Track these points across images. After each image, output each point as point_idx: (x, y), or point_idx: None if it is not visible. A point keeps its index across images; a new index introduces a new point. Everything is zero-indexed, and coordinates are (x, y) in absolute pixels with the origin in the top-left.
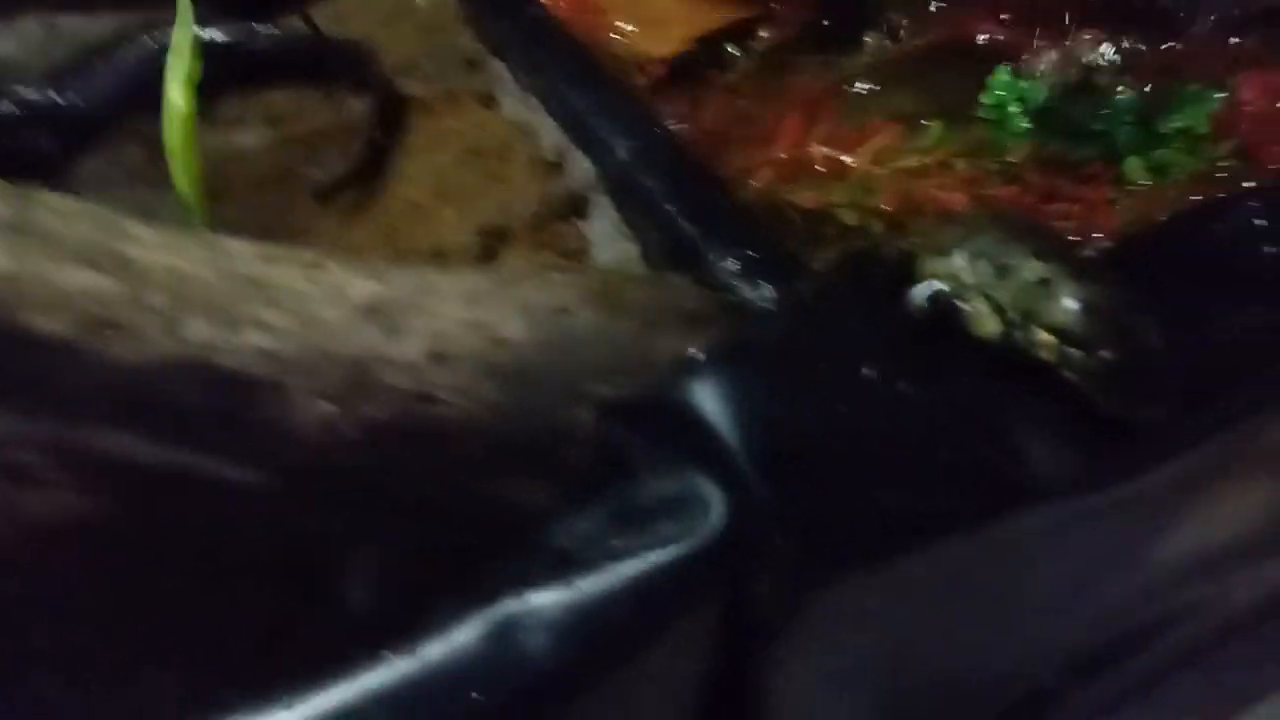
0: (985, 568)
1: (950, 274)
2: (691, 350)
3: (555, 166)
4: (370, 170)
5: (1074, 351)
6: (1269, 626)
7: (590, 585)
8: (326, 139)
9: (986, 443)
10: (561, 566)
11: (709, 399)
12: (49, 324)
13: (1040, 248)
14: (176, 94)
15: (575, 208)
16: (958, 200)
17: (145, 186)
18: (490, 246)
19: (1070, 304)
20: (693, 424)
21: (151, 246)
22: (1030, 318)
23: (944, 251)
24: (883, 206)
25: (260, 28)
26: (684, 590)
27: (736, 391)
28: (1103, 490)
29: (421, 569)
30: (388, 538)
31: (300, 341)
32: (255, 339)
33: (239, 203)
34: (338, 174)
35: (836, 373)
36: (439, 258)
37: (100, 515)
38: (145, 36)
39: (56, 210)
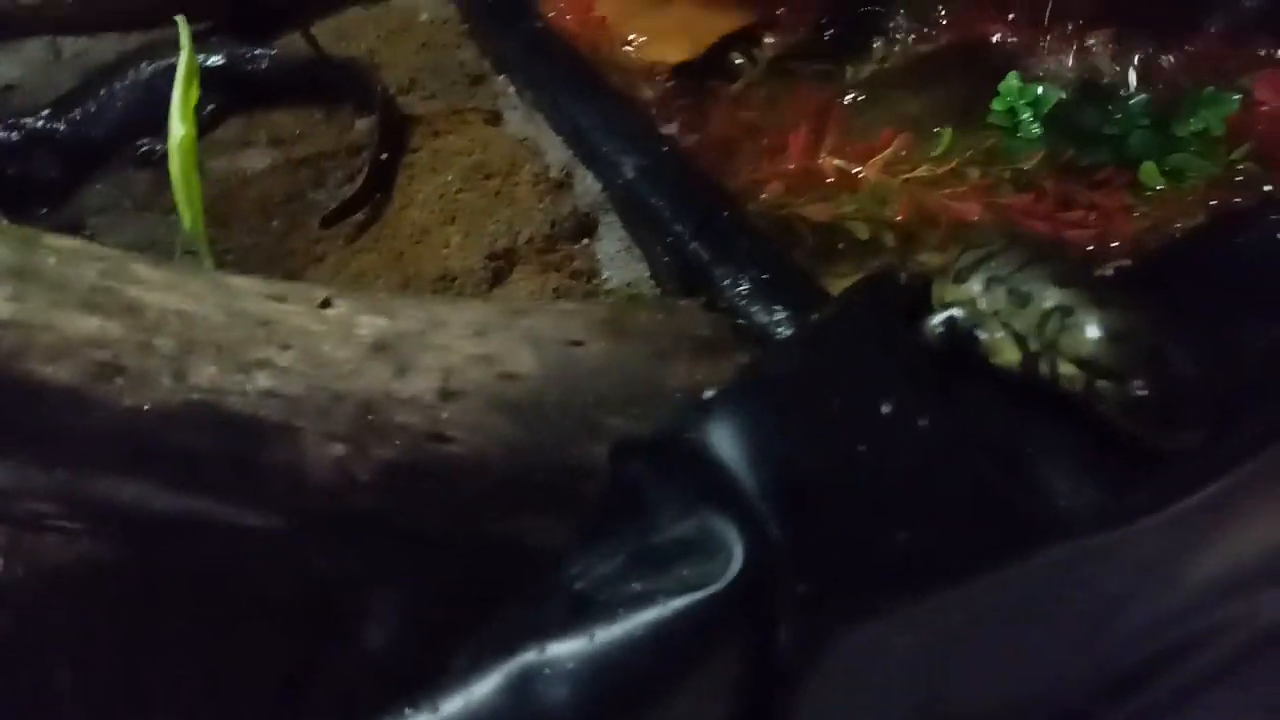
0: (1011, 603)
1: (967, 300)
2: (707, 390)
3: (563, 185)
4: (376, 192)
5: (1104, 383)
6: None
7: (608, 635)
8: (332, 160)
9: (1009, 478)
10: (580, 612)
11: (722, 438)
12: (57, 372)
13: (1059, 272)
14: (179, 123)
15: (584, 228)
16: (971, 210)
17: (152, 213)
18: (499, 270)
19: (1095, 333)
20: (708, 464)
21: (157, 288)
22: (1053, 348)
23: (960, 277)
24: (895, 218)
25: (261, 50)
26: (704, 637)
27: (749, 430)
28: (1131, 522)
29: (438, 613)
30: (404, 580)
31: (310, 382)
32: (264, 381)
33: (246, 228)
34: (343, 198)
35: (852, 407)
36: (447, 283)
37: (117, 561)
38: (145, 61)
39: (61, 252)
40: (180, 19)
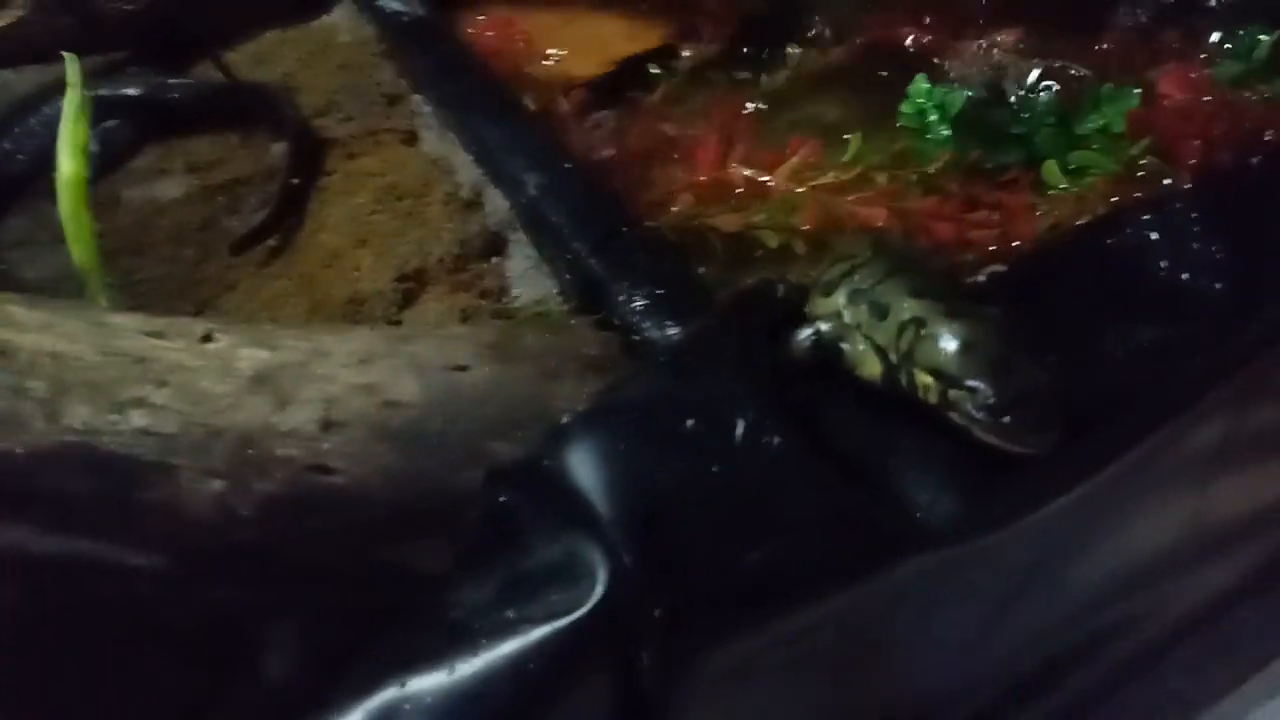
0: (883, 613)
1: (833, 313)
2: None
3: (473, 204)
4: (289, 217)
5: (955, 393)
6: (1210, 632)
7: (468, 667)
8: (247, 186)
9: (865, 492)
10: (454, 641)
11: (578, 464)
12: None
13: (916, 284)
14: (66, 161)
15: (493, 246)
16: (877, 215)
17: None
18: (409, 291)
19: (945, 344)
20: (567, 490)
21: (31, 329)
22: (909, 359)
23: (826, 290)
24: (804, 226)
25: (176, 79)
26: (566, 667)
27: (603, 455)
28: (991, 531)
29: (338, 643)
30: (300, 611)
31: (186, 419)
32: (139, 419)
33: (160, 257)
34: (254, 224)
35: (705, 428)
36: (357, 306)
37: (7, 603)
38: (60, 94)
39: None
40: (69, 56)
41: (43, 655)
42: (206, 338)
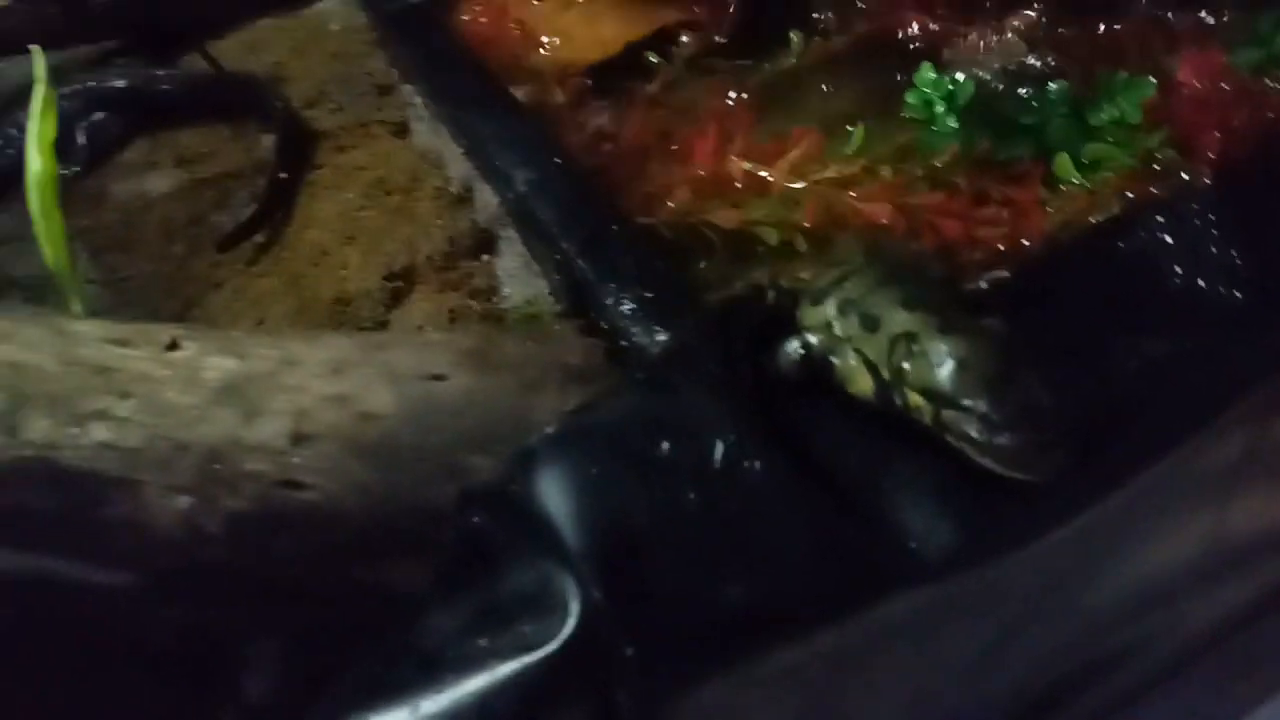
0: (873, 649)
1: (823, 325)
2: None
3: (463, 200)
4: (276, 212)
5: (950, 413)
6: (1228, 648)
7: (433, 705)
8: (237, 180)
9: (854, 520)
10: (426, 671)
11: (546, 489)
12: None
13: (908, 295)
14: (35, 157)
15: (484, 244)
16: (881, 211)
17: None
18: (397, 291)
19: (938, 361)
20: (536, 516)
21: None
22: (901, 377)
23: (817, 299)
24: (804, 222)
25: (164, 70)
26: (534, 705)
27: (572, 480)
28: (990, 562)
29: (317, 662)
30: (277, 630)
31: (151, 432)
32: (101, 433)
33: (148, 254)
34: (241, 220)
35: (682, 452)
36: (343, 306)
37: None
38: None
39: None
40: (35, 49)
41: (19, 669)
42: (173, 345)
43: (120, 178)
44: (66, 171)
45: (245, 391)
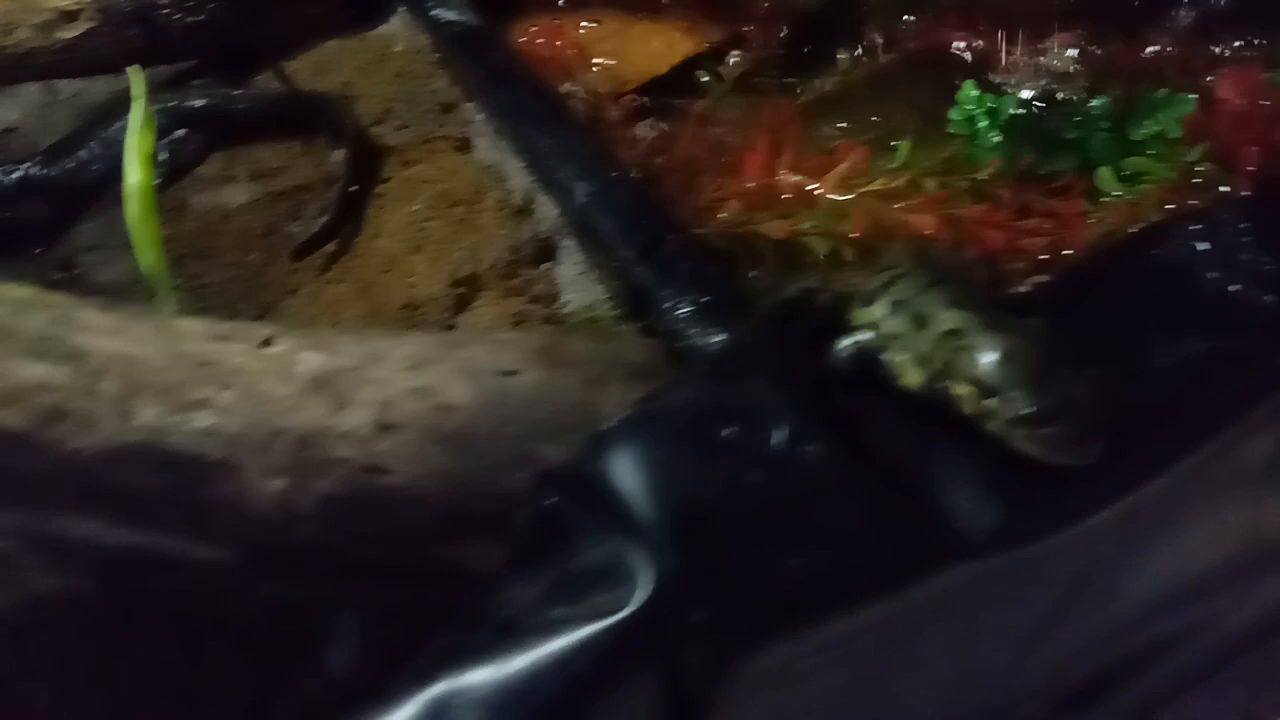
0: (924, 622)
1: (874, 323)
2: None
3: (524, 211)
4: (347, 223)
5: (992, 403)
6: (1270, 646)
7: (517, 664)
8: (309, 192)
9: (905, 501)
10: (503, 639)
11: (619, 469)
12: (7, 418)
13: (956, 295)
14: (133, 170)
15: (545, 253)
16: (926, 222)
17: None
18: (462, 297)
19: (985, 355)
20: (610, 494)
21: (103, 333)
22: (948, 370)
23: (868, 300)
24: (852, 233)
25: (238, 91)
26: (608, 666)
27: (643, 460)
28: (1033, 542)
29: (397, 636)
30: (361, 605)
31: (249, 420)
32: (204, 420)
33: (226, 262)
34: (314, 230)
35: (744, 435)
36: (412, 311)
37: (80, 594)
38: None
39: (9, 302)
40: (134, 70)
41: (115, 643)
42: (267, 342)
43: (199, 190)
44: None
45: (334, 384)
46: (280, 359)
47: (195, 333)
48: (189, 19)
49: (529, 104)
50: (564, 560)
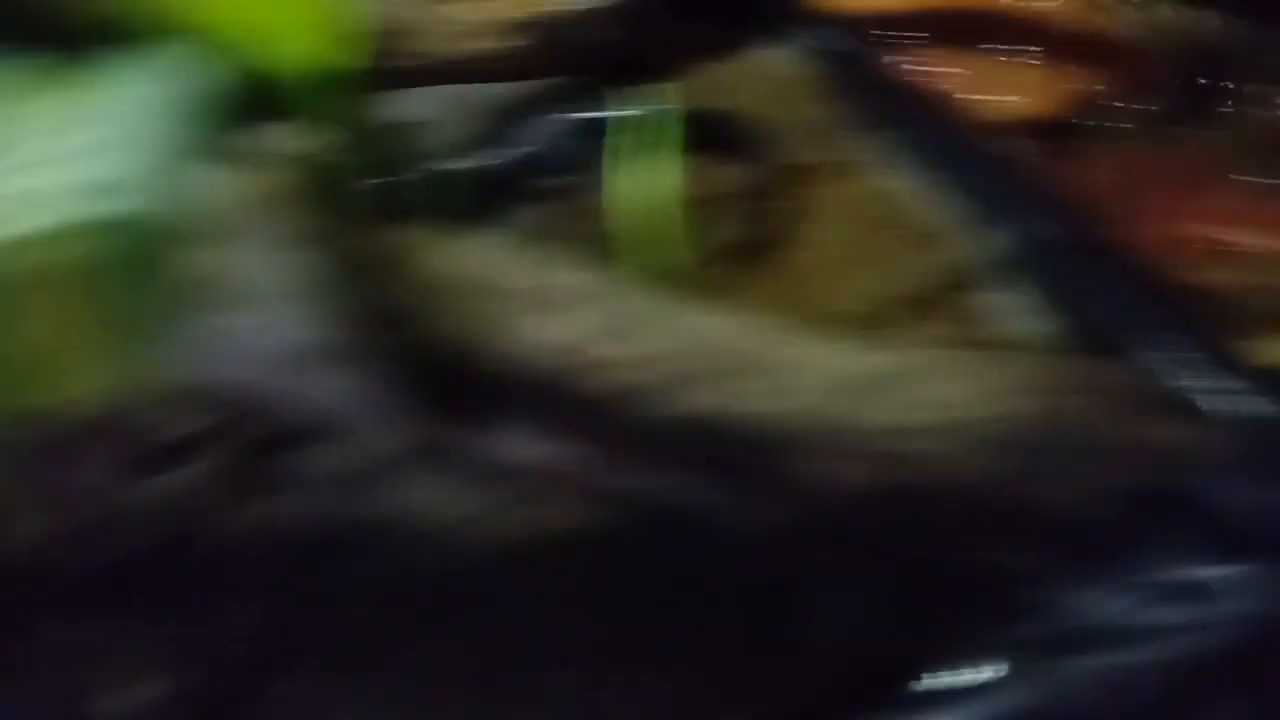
0: None
1: None
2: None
3: (948, 238)
4: (768, 236)
5: None
6: None
7: (1113, 663)
8: (722, 204)
9: None
10: (1092, 639)
11: (1223, 491)
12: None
13: None
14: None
15: (973, 280)
16: None
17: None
18: (888, 315)
19: None
20: (1209, 517)
21: (684, 317)
22: None
23: None
24: None
25: (629, 107)
26: (1212, 680)
27: (1256, 485)
28: None
29: (894, 622)
30: (866, 587)
31: (803, 407)
32: (762, 404)
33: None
34: (737, 238)
35: None
36: (846, 324)
37: (611, 537)
38: (549, 110)
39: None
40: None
41: (629, 585)
42: (802, 337)
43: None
44: (559, 183)
45: (876, 382)
46: (816, 354)
47: (729, 327)
48: (591, 37)
49: (943, 134)
50: (1155, 572)
